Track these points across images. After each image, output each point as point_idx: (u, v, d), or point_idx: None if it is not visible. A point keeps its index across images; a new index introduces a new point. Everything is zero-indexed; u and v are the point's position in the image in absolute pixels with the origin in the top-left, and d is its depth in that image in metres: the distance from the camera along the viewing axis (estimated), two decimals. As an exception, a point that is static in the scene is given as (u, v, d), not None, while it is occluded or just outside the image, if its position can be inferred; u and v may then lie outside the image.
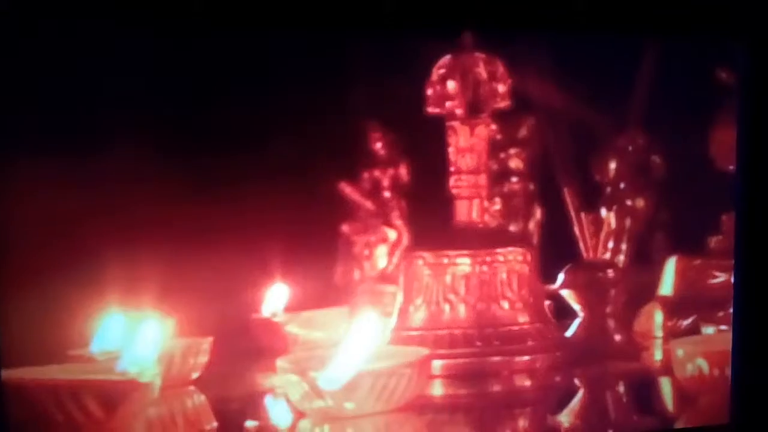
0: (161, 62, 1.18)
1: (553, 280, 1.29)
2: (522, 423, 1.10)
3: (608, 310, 1.30)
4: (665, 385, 1.16)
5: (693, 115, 1.32)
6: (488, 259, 1.22)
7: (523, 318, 1.21)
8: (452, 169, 1.25)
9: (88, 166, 1.16)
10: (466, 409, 1.11)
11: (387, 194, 1.43)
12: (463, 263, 1.22)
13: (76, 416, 0.98)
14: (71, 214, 1.15)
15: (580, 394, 1.17)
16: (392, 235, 1.42)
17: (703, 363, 1.05)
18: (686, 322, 1.31)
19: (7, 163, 0.90)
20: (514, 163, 1.41)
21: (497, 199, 1.41)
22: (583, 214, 1.40)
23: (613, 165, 1.41)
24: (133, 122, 1.18)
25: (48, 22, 0.85)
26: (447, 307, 1.21)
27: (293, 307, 1.32)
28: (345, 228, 1.43)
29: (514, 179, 1.42)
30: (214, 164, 1.25)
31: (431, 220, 1.31)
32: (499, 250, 1.22)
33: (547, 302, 1.27)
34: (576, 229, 1.40)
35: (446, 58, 1.23)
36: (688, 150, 1.34)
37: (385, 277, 1.40)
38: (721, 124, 1.31)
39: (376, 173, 1.43)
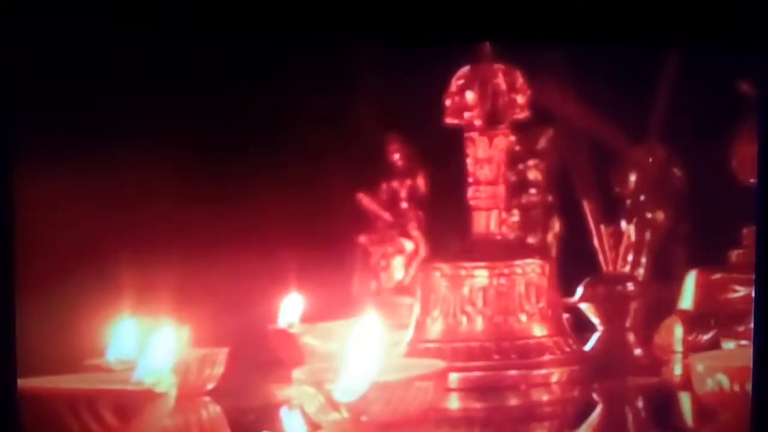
0: (175, 67, 1.18)
1: (572, 293, 1.28)
2: (539, 437, 1.09)
3: (628, 323, 1.29)
4: (684, 401, 1.15)
5: (714, 127, 1.31)
6: (506, 271, 1.21)
7: (541, 331, 1.20)
8: (470, 180, 1.24)
9: (104, 172, 1.16)
10: (482, 423, 1.10)
11: (404, 205, 1.42)
12: (481, 275, 1.21)
13: (91, 426, 0.98)
14: (88, 222, 1.15)
15: (599, 408, 1.16)
16: (409, 246, 1.42)
17: (723, 378, 1.04)
18: (706, 337, 1.29)
19: (19, 172, 0.90)
20: (533, 175, 1.41)
21: (515, 211, 1.40)
22: (602, 227, 1.39)
23: (633, 177, 1.40)
24: (149, 128, 1.18)
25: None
26: (464, 320, 1.20)
27: (310, 318, 1.31)
28: (362, 239, 1.42)
29: (532, 191, 1.41)
30: (232, 173, 1.25)
31: (449, 231, 1.30)
32: (517, 263, 1.21)
33: (565, 316, 1.26)
34: (595, 242, 1.39)
35: (465, 69, 1.22)
36: (708, 162, 1.33)
37: (402, 289, 1.39)
38: (742, 136, 1.30)
39: (394, 184, 1.42)
